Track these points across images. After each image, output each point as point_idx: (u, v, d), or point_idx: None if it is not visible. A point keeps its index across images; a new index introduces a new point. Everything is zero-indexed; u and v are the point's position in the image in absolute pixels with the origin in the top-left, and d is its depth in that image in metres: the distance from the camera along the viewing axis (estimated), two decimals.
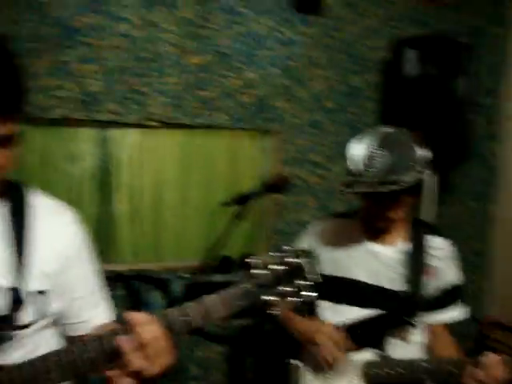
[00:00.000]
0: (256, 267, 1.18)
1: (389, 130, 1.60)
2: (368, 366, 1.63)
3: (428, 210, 2.80)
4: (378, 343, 1.65)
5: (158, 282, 2.66)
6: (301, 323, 1.74)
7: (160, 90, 2.55)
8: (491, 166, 2.83)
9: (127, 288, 2.62)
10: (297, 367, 1.78)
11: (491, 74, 2.84)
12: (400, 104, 2.68)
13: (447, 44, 2.55)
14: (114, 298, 2.48)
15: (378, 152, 1.52)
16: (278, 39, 2.76)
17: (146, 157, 2.70)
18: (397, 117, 2.68)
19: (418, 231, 1.74)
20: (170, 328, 1.05)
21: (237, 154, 2.84)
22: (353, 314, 1.72)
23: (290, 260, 1.14)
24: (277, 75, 2.76)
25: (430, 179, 2.75)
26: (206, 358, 2.78)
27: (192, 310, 1.11)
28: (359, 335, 1.69)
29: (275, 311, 1.15)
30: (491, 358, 1.44)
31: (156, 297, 2.66)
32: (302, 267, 1.16)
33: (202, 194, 2.81)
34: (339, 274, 1.76)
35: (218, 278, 2.70)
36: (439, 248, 1.70)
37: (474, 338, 2.70)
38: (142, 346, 0.94)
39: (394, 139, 1.56)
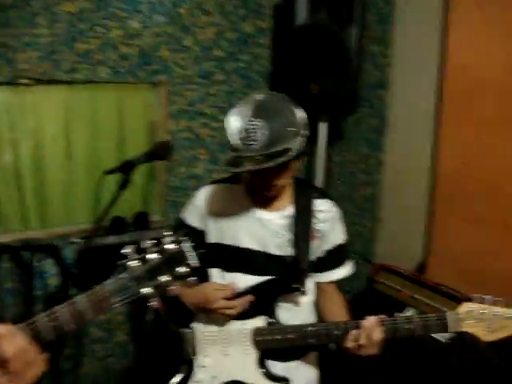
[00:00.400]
0: (131, 258, 1.14)
1: (263, 96, 1.51)
2: (258, 333, 1.67)
3: (321, 159, 2.87)
4: (268, 309, 1.69)
5: (49, 249, 2.53)
6: (193, 292, 1.73)
7: (30, 43, 2.29)
8: (381, 115, 2.91)
9: (16, 260, 2.47)
10: (191, 335, 1.79)
11: (380, 23, 2.86)
12: (292, 52, 2.63)
13: None
14: (2, 271, 2.38)
15: (255, 123, 1.44)
16: None
17: (22, 117, 2.46)
18: (289, 65, 2.65)
19: (303, 195, 1.75)
20: (38, 337, 0.99)
21: (123, 110, 2.67)
22: (242, 281, 1.74)
23: (169, 247, 1.10)
24: (161, 23, 2.58)
25: (321, 128, 2.80)
26: (107, 320, 2.74)
27: (62, 314, 1.05)
28: (250, 303, 1.72)
29: (153, 303, 1.12)
30: (370, 321, 1.53)
31: (49, 266, 2.54)
32: (182, 254, 1.14)
33: (89, 153, 2.64)
34: (227, 242, 1.75)
35: (111, 239, 2.62)
36: (323, 211, 1.73)
37: (363, 279, 2.89)
38: (5, 362, 0.88)
39: (269, 107, 1.47)
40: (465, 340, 2.19)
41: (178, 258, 1.11)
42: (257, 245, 1.72)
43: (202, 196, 1.82)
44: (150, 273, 1.09)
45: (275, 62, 2.79)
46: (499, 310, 1.41)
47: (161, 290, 1.09)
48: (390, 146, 2.91)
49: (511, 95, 2.25)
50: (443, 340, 2.27)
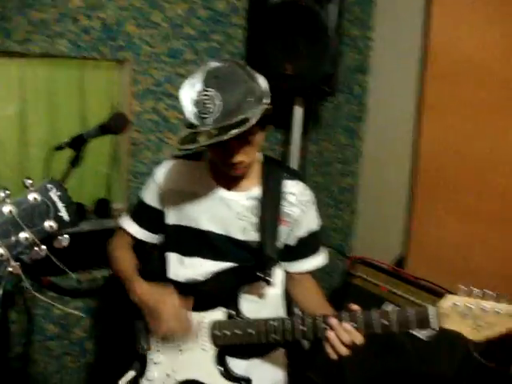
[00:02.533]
0: None
1: (217, 64, 1.34)
2: (216, 327, 1.51)
3: (295, 147, 2.71)
4: (229, 301, 1.53)
5: None
6: (141, 288, 1.54)
7: None
8: (361, 101, 2.76)
9: None
10: (142, 330, 1.62)
11: (361, 4, 2.72)
12: (266, 31, 2.47)
13: None
14: None
15: (208, 94, 1.28)
16: None
17: None
18: (263, 45, 2.49)
19: (272, 175, 1.59)
20: None
21: (84, 88, 2.48)
22: (203, 267, 1.58)
23: (31, 198, 0.87)
24: None
25: (296, 113, 2.64)
26: (64, 316, 2.54)
27: None
28: (209, 292, 1.56)
29: (12, 268, 0.90)
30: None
31: None
32: (48, 205, 0.92)
33: (46, 133, 2.44)
34: (186, 224, 1.59)
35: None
36: (294, 193, 1.57)
37: (340, 273, 2.74)
38: None
39: (223, 74, 1.31)
40: (448, 338, 2.05)
41: (44, 210, 0.89)
42: (219, 228, 1.56)
43: (161, 172, 1.66)
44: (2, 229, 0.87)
45: (249, 42, 2.62)
46: (488, 305, 1.24)
47: (19, 250, 0.86)
48: (369, 134, 2.77)
49: (499, 77, 2.11)
50: (424, 338, 2.12)
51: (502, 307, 1.22)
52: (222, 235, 1.56)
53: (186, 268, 1.61)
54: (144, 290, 1.52)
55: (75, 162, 1.68)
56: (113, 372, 1.64)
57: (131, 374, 1.61)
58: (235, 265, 1.56)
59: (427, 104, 2.42)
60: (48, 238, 0.91)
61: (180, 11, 2.55)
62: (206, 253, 1.59)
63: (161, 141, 2.62)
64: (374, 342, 2.20)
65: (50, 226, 0.88)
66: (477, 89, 2.20)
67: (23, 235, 0.84)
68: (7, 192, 0.85)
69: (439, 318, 1.28)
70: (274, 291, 1.65)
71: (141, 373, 1.60)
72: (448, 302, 1.28)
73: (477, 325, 1.25)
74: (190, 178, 1.62)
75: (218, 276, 1.56)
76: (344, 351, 1.33)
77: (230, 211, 1.55)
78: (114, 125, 1.65)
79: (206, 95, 1.30)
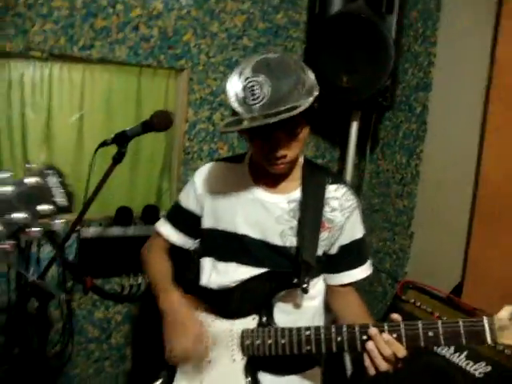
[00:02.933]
0: None
1: (267, 54, 1.28)
2: (247, 336, 1.42)
3: (351, 163, 2.62)
4: (262, 309, 1.44)
5: (49, 234, 2.37)
6: (173, 298, 1.47)
7: (47, 15, 2.19)
8: (422, 120, 2.63)
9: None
10: None
11: (425, 21, 2.61)
12: (324, 43, 2.42)
13: None
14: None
15: (259, 79, 1.22)
16: None
17: (34, 93, 2.35)
18: (320, 57, 2.44)
19: (314, 178, 1.50)
20: None
21: (141, 94, 2.52)
22: (237, 273, 1.50)
23: (29, 180, 0.89)
24: (187, 6, 2.44)
25: (353, 127, 2.56)
26: (105, 319, 2.54)
27: None
28: (241, 299, 1.48)
29: (5, 246, 0.90)
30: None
31: (48, 253, 2.38)
32: (45, 189, 0.93)
33: (102, 139, 2.49)
34: (222, 227, 1.52)
35: (115, 231, 2.45)
36: (338, 198, 1.47)
37: (390, 298, 2.58)
38: None
39: (273, 62, 1.24)
40: (503, 375, 1.85)
41: (40, 193, 0.91)
42: (256, 232, 1.48)
43: (200, 175, 1.61)
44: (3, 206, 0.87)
45: (306, 54, 2.58)
46: None
47: (13, 228, 0.87)
48: (429, 154, 2.61)
49: None
50: (477, 374, 1.93)
51: None
52: (258, 240, 1.48)
53: (219, 274, 1.54)
54: (176, 302, 1.46)
55: (118, 158, 1.67)
56: (148, 380, 1.59)
57: (157, 383, 1.55)
58: (268, 270, 1.47)
59: (491, 126, 2.25)
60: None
61: (238, 22, 2.56)
62: (242, 258, 1.50)
63: (213, 151, 2.61)
64: (423, 377, 2.07)
65: (45, 209, 0.89)
66: None
67: (18, 215, 0.86)
68: (9, 173, 0.87)
69: (496, 331, 1.12)
70: (312, 303, 1.54)
71: (169, 382, 1.54)
72: (507, 312, 1.13)
73: None
74: (229, 180, 1.57)
75: (251, 282, 1.47)
76: (384, 366, 1.20)
77: (268, 214, 1.47)
78: (157, 122, 1.63)
79: (255, 81, 1.23)
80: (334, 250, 1.50)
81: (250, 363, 1.43)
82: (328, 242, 1.48)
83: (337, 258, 1.50)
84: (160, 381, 1.54)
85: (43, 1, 2.17)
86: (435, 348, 2.07)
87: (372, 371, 1.23)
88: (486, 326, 1.14)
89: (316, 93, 1.29)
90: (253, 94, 1.23)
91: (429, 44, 2.60)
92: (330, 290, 1.55)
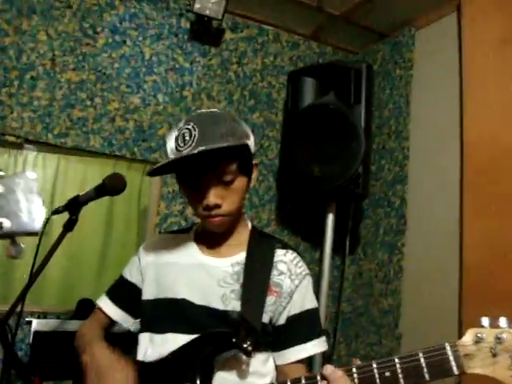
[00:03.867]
0: None
1: (203, 110, 1.34)
2: None
3: (327, 260, 2.49)
4: (200, 376, 1.24)
5: None
6: (100, 350, 1.29)
7: (26, 103, 2.28)
8: (401, 214, 2.58)
9: None
10: None
11: (397, 118, 2.70)
12: (296, 135, 2.48)
13: (343, 73, 2.42)
14: None
15: (189, 126, 1.24)
16: (170, 66, 2.58)
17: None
18: (293, 149, 2.47)
19: (262, 242, 1.40)
20: None
21: None
22: (176, 343, 1.30)
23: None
24: (163, 102, 2.54)
25: (329, 220, 2.48)
26: None
27: None
28: (178, 368, 1.28)
29: None
30: (335, 372, 1.05)
31: None
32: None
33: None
34: (162, 296, 1.37)
35: (74, 325, 2.25)
36: (286, 262, 1.34)
37: None
38: None
39: (207, 114, 1.29)
40: None
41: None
42: (197, 297, 1.31)
43: (144, 247, 1.51)
44: None
45: (282, 149, 2.63)
46: None
47: None
48: (411, 247, 2.49)
49: None
50: None
51: None
52: (199, 305, 1.32)
53: (157, 347, 1.33)
54: (101, 352, 1.28)
55: (69, 225, 1.59)
56: None
57: None
58: (207, 332, 1.29)
59: (469, 208, 2.19)
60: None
61: None
62: (180, 327, 1.31)
63: None
64: None
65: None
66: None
67: None
68: None
69: (461, 358, 0.93)
70: (263, 381, 1.32)
71: None
72: (470, 336, 0.94)
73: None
74: (173, 248, 1.47)
75: (188, 347, 1.28)
76: None
77: (210, 278, 1.33)
78: (110, 185, 1.57)
79: (185, 128, 1.25)
80: (282, 321, 1.32)
81: None
82: (274, 309, 1.31)
83: (286, 331, 1.32)
84: None
85: (25, 91, 2.28)
86: None
87: None
88: (450, 353, 0.96)
89: (248, 141, 1.28)
90: (183, 140, 1.23)
91: (402, 139, 2.65)
92: (279, 373, 1.35)
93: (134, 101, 2.48)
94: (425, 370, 0.96)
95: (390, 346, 2.50)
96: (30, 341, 2.19)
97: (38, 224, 0.85)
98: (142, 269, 1.45)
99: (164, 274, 1.39)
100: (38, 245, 1.53)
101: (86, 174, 2.49)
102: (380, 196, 2.73)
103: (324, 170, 2.34)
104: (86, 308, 2.28)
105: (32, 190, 0.86)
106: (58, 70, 2.35)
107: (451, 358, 0.95)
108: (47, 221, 1.63)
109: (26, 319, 2.21)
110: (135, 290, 1.45)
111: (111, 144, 2.41)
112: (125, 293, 1.48)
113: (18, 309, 1.30)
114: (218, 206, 1.25)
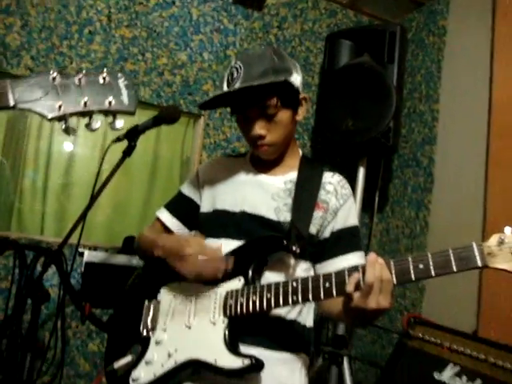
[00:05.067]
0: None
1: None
2: (230, 296, 1.35)
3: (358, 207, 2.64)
4: (251, 270, 1.38)
5: (54, 255, 2.40)
6: (166, 238, 1.49)
7: (83, 55, 2.49)
8: (429, 172, 2.70)
9: (19, 259, 2.35)
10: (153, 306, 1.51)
11: (428, 83, 2.82)
12: (332, 92, 2.62)
13: (378, 36, 2.56)
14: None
15: (236, 65, 1.40)
16: (215, 27, 2.76)
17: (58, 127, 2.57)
18: (329, 105, 2.62)
19: (312, 165, 1.56)
20: None
21: (160, 135, 2.71)
22: (229, 247, 1.47)
23: (103, 76, 1.00)
24: (208, 60, 2.73)
25: (360, 173, 2.63)
26: (99, 354, 2.44)
27: None
28: (234, 262, 1.45)
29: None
30: (374, 256, 1.20)
31: (51, 275, 2.39)
32: (115, 86, 1.02)
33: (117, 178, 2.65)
34: (219, 207, 1.53)
35: (120, 259, 2.46)
36: (333, 183, 1.50)
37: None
38: None
39: (254, 52, 1.44)
40: None
41: (110, 89, 0.98)
42: (252, 208, 1.48)
43: (203, 165, 1.72)
44: (75, 90, 0.96)
45: (318, 106, 2.77)
46: None
47: (77, 110, 0.94)
48: (437, 204, 2.62)
49: None
50: None
51: None
52: (253, 215, 1.49)
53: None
54: (169, 239, 1.47)
55: (128, 152, 1.77)
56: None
57: (127, 358, 1.46)
58: (261, 236, 1.46)
59: (493, 167, 2.31)
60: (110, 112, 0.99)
61: None
62: (234, 234, 1.48)
63: None
64: None
65: (109, 103, 0.97)
66: None
67: (83, 100, 0.94)
68: (83, 71, 0.98)
69: (485, 256, 1.08)
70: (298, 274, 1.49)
71: (140, 356, 1.45)
72: (494, 239, 1.09)
73: None
74: (230, 167, 1.64)
75: (241, 249, 1.45)
76: (380, 298, 1.14)
77: (265, 193, 1.50)
78: (166, 114, 1.76)
79: (233, 67, 1.42)
80: (326, 234, 1.48)
81: (231, 326, 1.36)
82: (321, 222, 1.47)
83: (329, 243, 1.48)
84: (129, 356, 1.46)
85: (83, 44, 2.49)
86: (445, 379, 1.89)
87: (351, 289, 1.16)
88: (476, 251, 1.10)
89: (291, 77, 1.42)
90: (232, 78, 1.40)
91: (432, 102, 2.77)
92: None
93: (181, 57, 2.67)
94: (453, 262, 1.10)
95: (414, 298, 2.64)
96: (82, 270, 2.42)
97: (134, 107, 1.01)
98: (200, 186, 1.63)
99: (222, 189, 1.56)
100: (99, 168, 1.74)
101: (135, 123, 2.68)
102: (409, 156, 2.85)
103: (357, 124, 2.48)
104: (131, 244, 2.49)
105: (128, 86, 1.02)
106: (113, 26, 2.56)
107: (476, 253, 1.09)
108: (108, 148, 1.84)
109: (79, 250, 2.43)
110: (192, 204, 1.63)
111: (159, 96, 2.61)
112: (182, 206, 1.67)
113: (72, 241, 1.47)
114: (261, 137, 1.41)
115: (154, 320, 1.47)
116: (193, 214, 1.63)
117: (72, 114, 0.93)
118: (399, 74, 2.48)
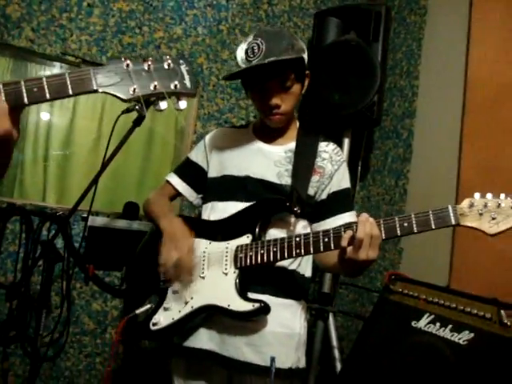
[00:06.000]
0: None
1: (267, 27, 1.66)
2: (241, 250, 1.55)
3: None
4: (257, 228, 1.57)
5: (59, 220, 2.53)
6: (174, 220, 1.66)
7: (82, 28, 2.57)
8: (408, 144, 2.92)
9: (25, 224, 2.47)
10: None
11: (409, 60, 3.01)
12: (320, 68, 2.76)
13: (365, 14, 2.72)
14: (9, 234, 2.38)
15: (257, 41, 1.56)
16: (208, 2, 2.86)
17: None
18: (316, 80, 2.76)
19: (309, 135, 1.75)
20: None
21: None
22: (236, 209, 1.65)
23: (167, 62, 1.12)
24: (202, 34, 2.84)
25: (345, 144, 2.82)
26: (103, 313, 2.60)
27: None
28: (238, 224, 1.62)
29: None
30: (365, 215, 1.40)
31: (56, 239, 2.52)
32: (177, 71, 1.16)
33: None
34: (226, 173, 1.72)
35: (121, 224, 2.60)
36: (328, 151, 1.71)
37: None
38: None
39: (272, 31, 1.62)
40: (485, 338, 1.91)
41: (174, 74, 1.12)
42: (256, 173, 1.68)
43: (210, 135, 1.87)
44: (146, 75, 1.09)
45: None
46: (504, 203, 1.28)
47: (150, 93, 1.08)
48: (415, 173, 2.85)
49: None
50: (461, 342, 1.98)
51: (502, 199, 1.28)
52: (258, 179, 1.66)
53: (218, 212, 1.68)
54: (175, 222, 1.64)
55: (138, 121, 1.90)
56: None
57: (146, 306, 1.63)
58: (265, 198, 1.63)
59: (467, 138, 2.53)
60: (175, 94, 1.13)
61: None
62: (241, 196, 1.66)
63: None
64: (412, 356, 2.09)
65: (175, 86, 1.11)
66: None
67: (153, 84, 1.08)
68: (150, 58, 1.12)
69: (458, 216, 1.30)
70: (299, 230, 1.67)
71: (159, 303, 1.62)
72: (466, 202, 1.31)
73: (493, 220, 1.27)
74: (234, 137, 1.80)
75: (248, 210, 1.62)
76: (370, 250, 1.35)
77: (267, 160, 1.68)
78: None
79: (254, 43, 1.57)
80: (323, 196, 1.68)
81: (241, 276, 1.54)
82: (318, 185, 1.66)
83: (326, 204, 1.68)
84: (149, 304, 1.63)
85: (82, 17, 2.57)
86: (422, 326, 2.13)
87: (356, 256, 1.36)
88: (451, 211, 1.32)
89: (304, 55, 1.62)
90: (253, 52, 1.56)
91: (412, 78, 2.96)
92: None
93: (176, 31, 2.78)
94: (432, 221, 1.33)
95: (392, 259, 2.88)
96: (86, 234, 2.56)
97: (195, 90, 1.16)
98: (208, 154, 1.80)
99: (228, 156, 1.74)
100: (110, 137, 1.86)
101: None
102: (390, 129, 3.06)
103: (344, 98, 2.66)
104: (132, 209, 2.64)
105: (189, 71, 1.17)
106: (111, 0, 2.65)
107: (451, 213, 1.33)
108: (117, 118, 1.97)
109: (82, 215, 2.56)
110: (199, 170, 1.80)
111: None
112: (190, 171, 1.83)
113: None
114: (278, 107, 1.60)
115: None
116: (201, 179, 1.80)
117: (144, 96, 1.08)
118: (383, 51, 2.66)
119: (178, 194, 1.85)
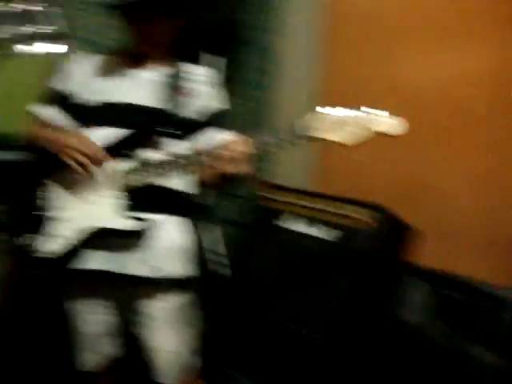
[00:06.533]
0: None
1: None
2: (125, 174, 1.64)
3: None
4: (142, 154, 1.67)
5: None
6: (53, 133, 1.68)
7: None
8: (269, 56, 3.09)
9: None
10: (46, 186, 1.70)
11: None
12: None
13: None
14: None
15: None
16: None
17: None
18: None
19: (181, 56, 1.83)
20: None
21: None
22: (108, 135, 1.68)
23: None
24: None
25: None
26: None
27: None
28: (120, 150, 1.67)
29: None
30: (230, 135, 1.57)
31: None
32: None
33: None
34: (95, 98, 1.73)
35: None
36: (198, 73, 1.82)
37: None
38: None
39: None
40: (355, 237, 2.22)
41: None
42: (125, 97, 1.72)
43: (72, 62, 1.84)
44: None
45: None
46: (350, 111, 1.47)
47: None
48: (279, 87, 3.08)
49: None
50: (330, 239, 2.27)
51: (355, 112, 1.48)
52: (126, 103, 1.71)
53: (99, 138, 1.68)
54: (57, 132, 1.67)
55: None
56: None
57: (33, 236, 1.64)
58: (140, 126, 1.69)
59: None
60: None
61: None
62: (121, 123, 1.68)
63: None
64: (281, 255, 2.37)
65: None
66: None
67: None
68: None
69: (306, 127, 1.49)
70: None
71: (46, 231, 1.64)
72: (312, 116, 1.50)
73: (348, 131, 1.46)
74: (102, 63, 1.82)
75: (131, 135, 1.68)
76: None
77: (137, 85, 1.75)
78: None
79: None
80: (197, 116, 1.78)
81: (128, 198, 1.63)
82: (191, 107, 1.76)
83: (200, 124, 1.79)
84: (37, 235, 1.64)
85: None
86: (290, 226, 2.42)
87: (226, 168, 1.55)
88: (297, 125, 1.52)
89: None
90: None
91: None
92: None
93: None
94: (289, 136, 1.53)
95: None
96: None
97: None
98: (70, 77, 1.79)
99: (96, 82, 1.76)
100: None
101: None
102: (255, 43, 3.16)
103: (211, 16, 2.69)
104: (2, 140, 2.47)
105: None
106: None
107: (302, 127, 1.50)
108: None
109: None
110: (63, 95, 1.79)
111: None
112: (55, 99, 1.80)
113: None
114: (157, 38, 1.72)
115: (56, 201, 1.67)
116: (72, 107, 1.77)
117: None
118: None
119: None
